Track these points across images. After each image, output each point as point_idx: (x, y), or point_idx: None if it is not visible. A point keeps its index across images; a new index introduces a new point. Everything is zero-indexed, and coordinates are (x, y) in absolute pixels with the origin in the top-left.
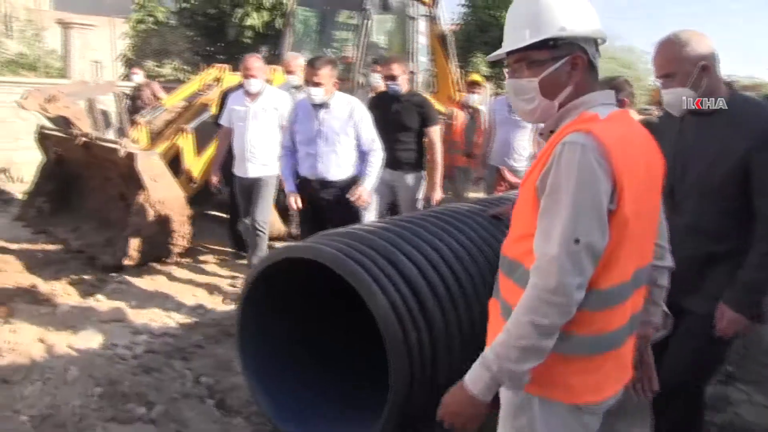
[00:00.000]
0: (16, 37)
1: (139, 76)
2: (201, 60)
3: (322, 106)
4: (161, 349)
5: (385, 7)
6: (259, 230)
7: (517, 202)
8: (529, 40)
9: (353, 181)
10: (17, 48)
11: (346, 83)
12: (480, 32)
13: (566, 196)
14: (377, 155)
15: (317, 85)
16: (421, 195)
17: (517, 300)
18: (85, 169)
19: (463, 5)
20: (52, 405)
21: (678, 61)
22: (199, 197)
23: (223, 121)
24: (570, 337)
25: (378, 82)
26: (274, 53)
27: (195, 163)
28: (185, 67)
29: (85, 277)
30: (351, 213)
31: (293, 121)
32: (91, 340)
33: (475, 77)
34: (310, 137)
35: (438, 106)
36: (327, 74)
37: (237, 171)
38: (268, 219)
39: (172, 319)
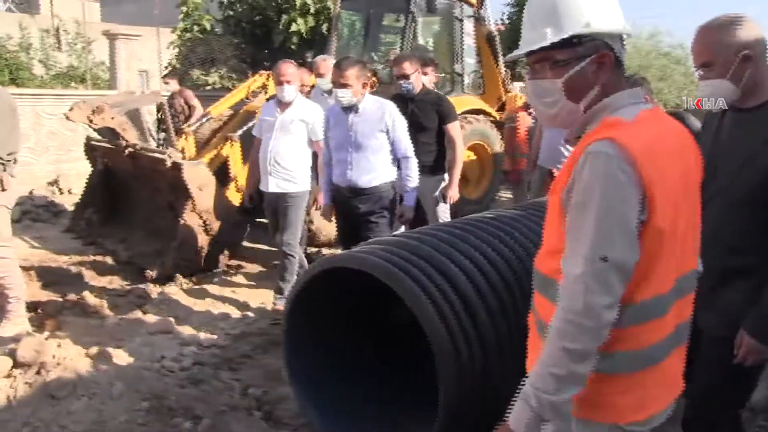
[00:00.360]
0: (67, 50)
1: (172, 85)
2: (247, 67)
3: (352, 109)
4: (209, 360)
5: (430, 9)
6: (288, 253)
7: (547, 212)
8: (550, 39)
9: (387, 190)
10: (68, 61)
11: (390, 86)
12: None
13: (590, 211)
14: (411, 163)
15: (344, 86)
16: (437, 192)
17: (547, 313)
18: (132, 180)
19: (509, 5)
20: (98, 421)
21: (717, 49)
22: (244, 207)
23: (255, 132)
24: (608, 355)
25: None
26: None
27: (242, 172)
28: (232, 75)
29: (134, 288)
30: (385, 228)
31: (327, 129)
32: (138, 352)
33: None
34: (341, 143)
35: (486, 107)
36: (354, 75)
37: (261, 185)
38: (296, 241)
39: (220, 330)
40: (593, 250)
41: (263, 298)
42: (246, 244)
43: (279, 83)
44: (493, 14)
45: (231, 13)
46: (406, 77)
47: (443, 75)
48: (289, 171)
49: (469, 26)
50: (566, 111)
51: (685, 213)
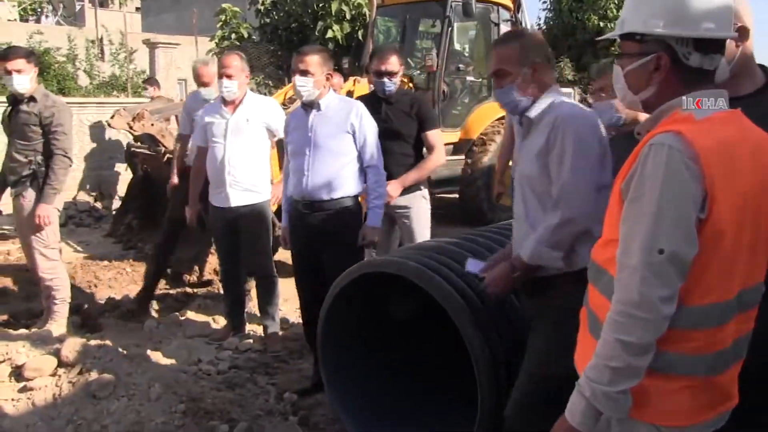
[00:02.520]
0: (110, 60)
1: (150, 92)
2: (283, 74)
3: (312, 106)
4: (245, 364)
5: (467, 14)
6: (267, 276)
7: (609, 203)
8: (618, 31)
9: (351, 206)
10: (111, 70)
11: (428, 92)
12: (565, 36)
13: (649, 202)
14: (376, 176)
15: (304, 73)
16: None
17: (604, 311)
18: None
19: (546, 9)
20: (137, 422)
21: None
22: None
23: (196, 140)
24: (658, 354)
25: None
26: (356, 65)
27: (279, 177)
28: (268, 81)
29: (172, 292)
30: (348, 252)
31: (286, 133)
32: (176, 355)
33: None
34: (299, 146)
35: None
36: (316, 62)
37: (214, 200)
38: (271, 259)
39: (256, 334)
40: (650, 241)
41: (297, 303)
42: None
43: (219, 76)
44: (530, 18)
45: (267, 20)
46: (391, 75)
47: (480, 80)
48: (249, 179)
49: (505, 30)
50: (628, 99)
51: (755, 219)
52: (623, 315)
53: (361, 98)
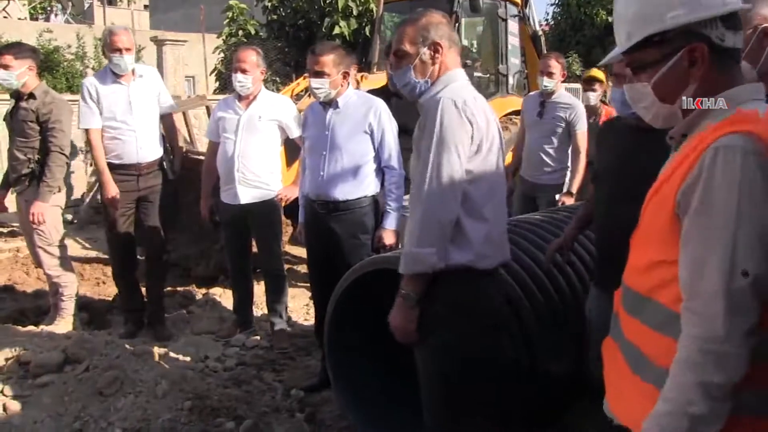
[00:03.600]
0: None
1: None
2: (291, 71)
3: (330, 104)
4: (252, 361)
5: (474, 10)
6: (277, 273)
7: (643, 218)
8: (626, 44)
9: (368, 206)
10: None
11: None
12: (573, 31)
13: (725, 216)
14: (396, 176)
15: (319, 75)
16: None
17: (650, 345)
18: (179, 182)
19: (554, 4)
20: (143, 419)
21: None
22: (292, 208)
23: (209, 135)
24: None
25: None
26: (363, 61)
27: (286, 175)
28: (276, 78)
29: (179, 288)
30: (363, 254)
31: (303, 127)
32: (183, 352)
33: (595, 73)
34: (315, 145)
35: None
36: (331, 61)
37: (224, 197)
38: (281, 256)
39: (263, 331)
40: (731, 263)
41: (306, 300)
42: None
43: (234, 71)
44: (538, 14)
45: (275, 17)
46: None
47: (487, 76)
48: (260, 176)
49: (513, 26)
50: (662, 115)
51: None
52: (705, 353)
53: (371, 93)
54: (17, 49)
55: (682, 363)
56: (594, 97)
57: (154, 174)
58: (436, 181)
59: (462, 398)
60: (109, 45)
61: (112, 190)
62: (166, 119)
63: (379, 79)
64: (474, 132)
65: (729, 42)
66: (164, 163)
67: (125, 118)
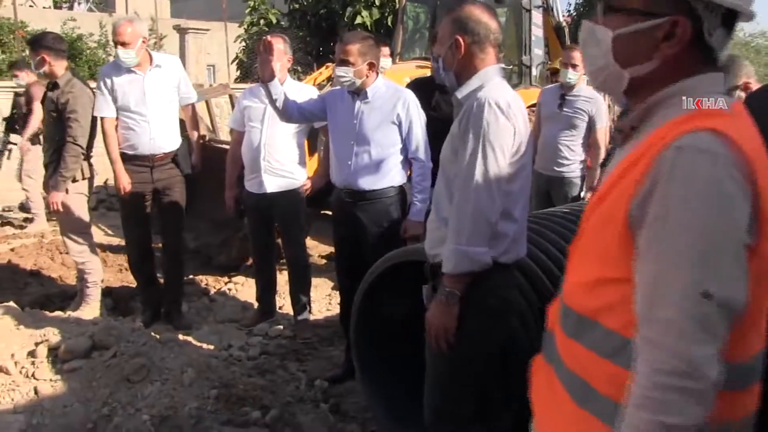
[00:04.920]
0: None
1: (21, 79)
2: (312, 60)
3: (359, 94)
4: (276, 350)
5: (498, 0)
6: (303, 264)
7: (585, 229)
8: None
9: (394, 196)
10: None
11: None
12: None
13: (688, 230)
14: (421, 168)
15: (344, 63)
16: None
17: (592, 371)
18: (201, 170)
19: None
20: (171, 406)
21: None
22: (314, 197)
23: (233, 124)
24: None
25: None
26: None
27: (308, 164)
28: (297, 67)
29: (202, 277)
30: (390, 244)
31: (330, 114)
32: (207, 340)
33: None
34: (343, 134)
35: None
36: (357, 50)
37: (249, 186)
38: (305, 246)
39: (286, 320)
40: (693, 283)
41: (328, 290)
42: (313, 234)
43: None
44: (561, 5)
45: (296, 6)
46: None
47: (510, 67)
48: (285, 166)
49: (537, 17)
50: (606, 74)
51: None
52: (664, 389)
53: (415, 82)
54: (32, 42)
55: (639, 402)
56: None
57: (169, 166)
58: (484, 181)
59: (468, 387)
60: (113, 37)
61: (124, 180)
62: (186, 111)
63: (402, 69)
64: (516, 134)
65: (716, 41)
66: (177, 157)
67: (139, 109)
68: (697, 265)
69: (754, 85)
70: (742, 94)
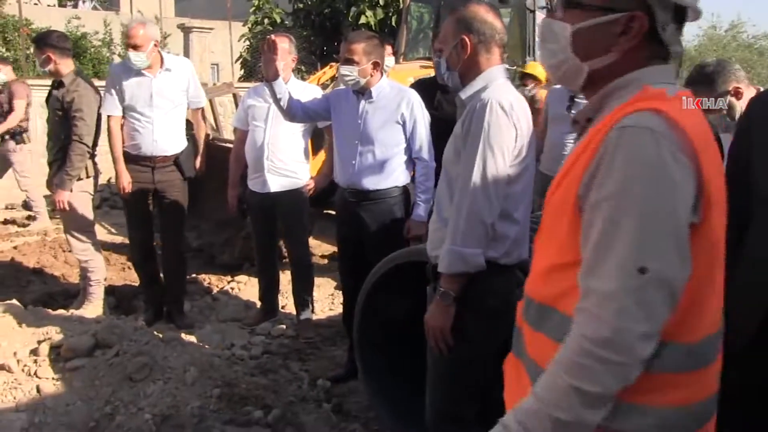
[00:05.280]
0: None
1: (2, 75)
2: (316, 59)
3: (364, 94)
4: (278, 350)
5: (502, 1)
6: (307, 264)
7: (544, 219)
8: None
9: (398, 196)
10: None
11: None
12: None
13: (627, 209)
14: (424, 168)
15: (349, 62)
16: None
17: (550, 358)
18: (205, 170)
19: None
20: (173, 405)
21: None
22: (317, 196)
23: (237, 123)
24: (642, 410)
25: None
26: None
27: (312, 164)
28: (301, 67)
29: (204, 276)
30: (393, 243)
31: (333, 113)
32: (209, 339)
33: (531, 69)
34: (347, 133)
35: None
36: (362, 50)
37: (253, 185)
38: (308, 245)
39: (289, 319)
40: (630, 259)
41: (330, 289)
42: (315, 234)
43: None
44: None
45: (301, 5)
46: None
47: (514, 68)
48: (288, 165)
49: (541, 18)
50: (566, 68)
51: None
52: (588, 356)
53: (418, 82)
54: (37, 40)
55: (561, 362)
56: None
57: (170, 168)
58: (482, 183)
59: (470, 388)
60: (125, 39)
61: (125, 179)
62: (195, 115)
63: (406, 69)
64: (518, 136)
65: (668, 36)
66: (179, 160)
67: (144, 110)
68: (636, 241)
69: (745, 90)
70: (733, 99)
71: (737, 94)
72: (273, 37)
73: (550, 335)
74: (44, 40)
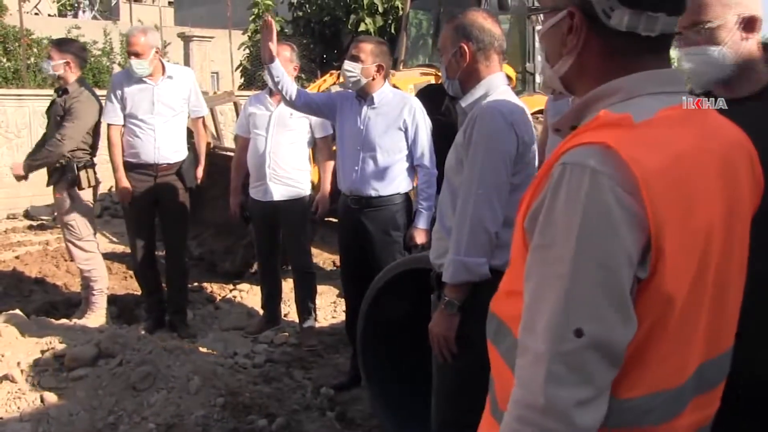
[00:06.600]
0: None
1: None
2: (316, 67)
3: (366, 99)
4: (281, 358)
5: (502, 8)
6: (308, 271)
7: (513, 242)
8: None
9: (400, 203)
10: None
11: None
12: None
13: (561, 256)
14: (426, 176)
15: (354, 59)
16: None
17: (504, 384)
18: (206, 177)
19: None
20: (177, 414)
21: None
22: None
23: (239, 130)
24: None
25: None
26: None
27: (313, 171)
28: (301, 75)
29: (206, 284)
30: (394, 250)
31: (337, 117)
32: (212, 348)
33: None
34: (349, 139)
35: None
36: (369, 50)
37: (254, 193)
38: (310, 254)
39: (291, 327)
40: (562, 318)
41: (333, 297)
42: (317, 241)
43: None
44: None
45: (300, 13)
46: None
47: (514, 75)
48: (290, 173)
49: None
50: (546, 74)
51: (723, 263)
52: (522, 422)
53: (425, 89)
54: (60, 43)
55: (504, 425)
56: None
57: (172, 177)
58: (484, 192)
59: (476, 397)
60: (126, 47)
61: (124, 186)
62: (196, 124)
63: (406, 76)
64: (519, 143)
65: (618, 23)
66: (181, 169)
67: (146, 118)
68: (572, 299)
69: None
70: None
71: None
72: (268, 17)
73: (504, 356)
74: (68, 47)
